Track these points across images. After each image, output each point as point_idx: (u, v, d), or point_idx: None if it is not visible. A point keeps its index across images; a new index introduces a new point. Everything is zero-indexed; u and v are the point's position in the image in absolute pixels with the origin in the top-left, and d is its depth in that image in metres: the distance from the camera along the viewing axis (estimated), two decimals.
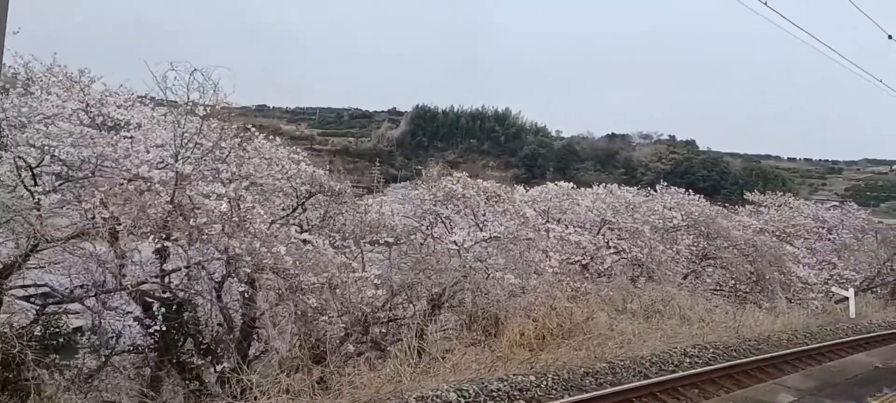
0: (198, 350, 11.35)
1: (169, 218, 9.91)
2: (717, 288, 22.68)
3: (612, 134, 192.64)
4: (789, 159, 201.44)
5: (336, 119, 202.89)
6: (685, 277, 22.29)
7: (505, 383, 8.52)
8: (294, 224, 14.31)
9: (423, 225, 17.08)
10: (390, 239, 15.28)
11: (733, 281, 22.29)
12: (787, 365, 12.70)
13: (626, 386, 9.60)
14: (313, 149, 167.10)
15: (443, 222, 17.13)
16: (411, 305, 13.62)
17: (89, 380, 9.74)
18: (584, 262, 19.25)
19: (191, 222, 9.35)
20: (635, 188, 24.53)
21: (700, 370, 11.14)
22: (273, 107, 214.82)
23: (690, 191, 25.05)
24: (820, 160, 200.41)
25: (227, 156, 11.49)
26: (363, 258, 15.50)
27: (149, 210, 9.19)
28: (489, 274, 15.71)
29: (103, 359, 10.86)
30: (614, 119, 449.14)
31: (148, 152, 10.15)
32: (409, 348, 9.52)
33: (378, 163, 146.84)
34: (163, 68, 9.98)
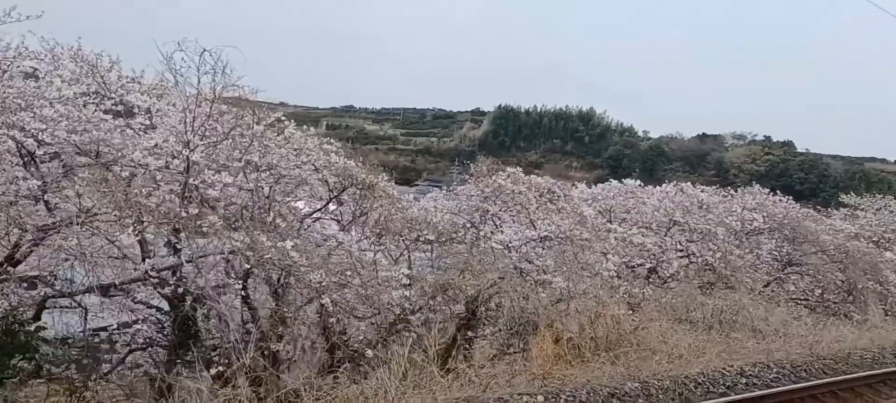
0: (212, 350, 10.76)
1: (178, 209, 9.35)
2: (803, 297, 20.63)
3: (703, 134, 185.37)
4: None
5: (419, 119, 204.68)
6: (766, 285, 20.40)
7: None
8: (329, 218, 13.67)
9: (470, 223, 16.13)
10: (431, 237, 14.40)
11: (820, 290, 20.19)
12: (868, 391, 10.82)
13: None
14: (395, 148, 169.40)
15: (492, 220, 16.11)
16: (448, 308, 12.72)
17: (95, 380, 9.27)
18: (649, 266, 17.80)
19: (184, 213, 8.71)
20: (713, 187, 22.74)
21: (751, 394, 9.52)
22: (359, 108, 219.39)
23: (779, 193, 22.85)
24: None
25: (249, 145, 10.89)
26: (409, 257, 14.73)
27: (143, 200, 8.59)
28: (535, 276, 14.64)
29: (119, 357, 10.49)
30: (706, 121, 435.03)
31: (154, 139, 9.58)
32: (400, 359, 8.46)
33: (457, 163, 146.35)
34: (170, 48, 9.38)
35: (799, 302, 20.35)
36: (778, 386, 10.02)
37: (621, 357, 9.87)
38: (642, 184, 19.84)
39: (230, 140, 10.31)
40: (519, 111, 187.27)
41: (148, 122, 10.58)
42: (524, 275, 15.11)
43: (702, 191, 19.60)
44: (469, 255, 13.88)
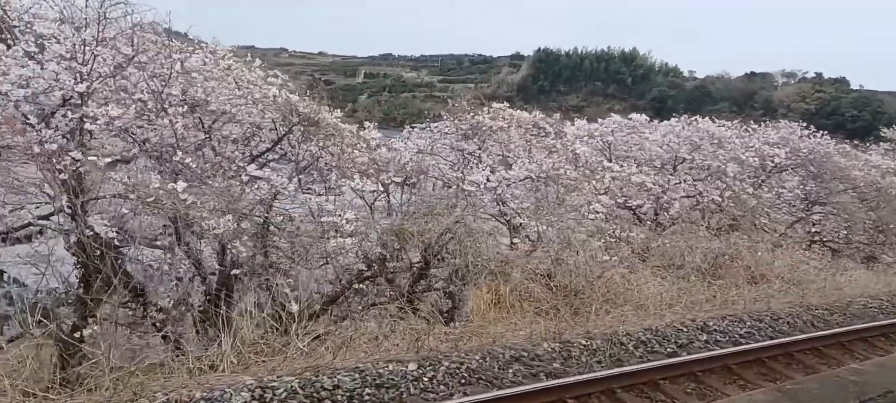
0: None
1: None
2: (829, 239, 18.84)
3: (751, 72, 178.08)
4: None
5: (457, 65, 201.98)
6: (790, 226, 18.69)
7: (355, 375, 5.98)
8: (274, 161, 12.53)
9: (449, 163, 14.85)
10: (398, 179, 13.20)
11: (845, 231, 18.30)
12: (860, 345, 8.91)
13: (555, 383, 6.42)
14: (433, 95, 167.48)
15: (471, 159, 14.77)
16: (407, 257, 11.56)
17: None
18: (656, 207, 16.28)
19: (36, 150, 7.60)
20: (734, 121, 20.82)
21: (704, 355, 7.63)
22: (398, 56, 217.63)
23: (828, 131, 21.02)
24: None
25: (169, 76, 9.75)
26: (389, 201, 13.64)
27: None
28: (513, 220, 13.40)
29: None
30: (755, 60, 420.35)
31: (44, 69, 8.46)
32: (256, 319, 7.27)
33: None
34: None
35: (825, 243, 18.62)
36: (746, 344, 8.34)
37: (564, 310, 8.50)
38: (649, 119, 18.16)
39: (140, 69, 9.17)
40: (559, 54, 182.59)
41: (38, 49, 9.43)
42: (507, 219, 13.87)
43: (714, 124, 17.74)
44: (437, 199, 12.67)
